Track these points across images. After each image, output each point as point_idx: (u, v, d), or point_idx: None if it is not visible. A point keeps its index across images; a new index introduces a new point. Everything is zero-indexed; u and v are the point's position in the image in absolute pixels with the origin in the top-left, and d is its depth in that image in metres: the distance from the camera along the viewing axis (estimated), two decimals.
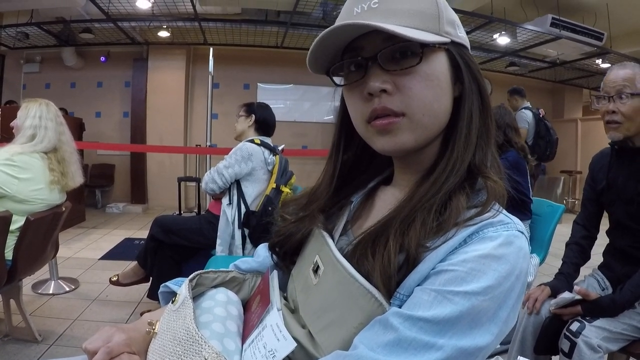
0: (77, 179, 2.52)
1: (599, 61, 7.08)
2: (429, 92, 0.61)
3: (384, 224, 0.62)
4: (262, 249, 0.92)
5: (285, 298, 0.77)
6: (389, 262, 0.57)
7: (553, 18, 5.73)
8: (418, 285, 0.56)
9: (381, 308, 0.57)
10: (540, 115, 5.01)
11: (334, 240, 0.71)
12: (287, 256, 0.81)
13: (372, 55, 0.61)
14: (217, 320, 0.71)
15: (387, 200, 0.72)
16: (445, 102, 0.64)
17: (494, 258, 0.54)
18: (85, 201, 6.27)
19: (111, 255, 4.24)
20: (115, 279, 2.82)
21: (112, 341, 0.68)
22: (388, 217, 0.62)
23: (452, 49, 0.64)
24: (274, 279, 0.79)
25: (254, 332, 0.71)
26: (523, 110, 5.02)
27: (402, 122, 0.61)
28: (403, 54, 0.60)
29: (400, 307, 0.55)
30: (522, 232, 0.59)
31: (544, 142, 4.90)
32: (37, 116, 2.35)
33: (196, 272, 0.80)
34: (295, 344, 0.63)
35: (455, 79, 0.65)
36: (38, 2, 5.18)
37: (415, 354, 0.51)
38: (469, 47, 0.68)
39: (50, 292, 3.10)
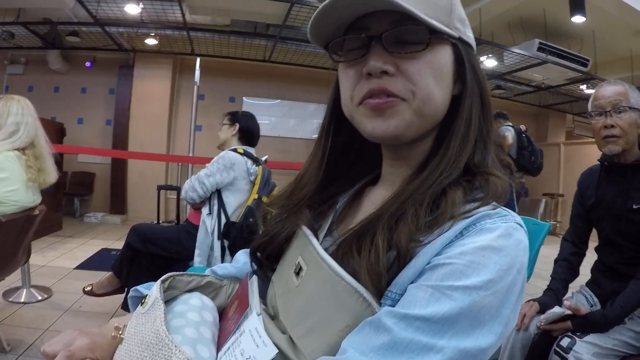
0: (52, 174, 2.53)
1: (583, 87, 7.21)
2: (432, 80, 0.58)
3: (370, 221, 0.57)
4: (242, 255, 0.86)
5: (265, 305, 0.71)
6: (376, 259, 0.52)
7: (540, 43, 5.84)
8: (412, 282, 0.51)
9: (370, 309, 0.52)
10: (522, 130, 5.13)
11: (318, 240, 0.66)
12: (269, 261, 0.75)
13: (377, 34, 0.58)
14: (189, 325, 0.65)
15: (374, 200, 0.68)
16: (445, 95, 0.61)
17: (494, 250, 0.50)
18: (62, 209, 6.12)
19: (87, 265, 4.11)
20: (89, 288, 2.74)
21: (73, 345, 0.63)
22: (375, 214, 0.58)
23: (459, 45, 0.62)
24: (254, 283, 0.73)
25: (230, 339, 0.65)
26: (505, 126, 5.17)
27: (400, 105, 0.58)
28: (409, 38, 0.57)
29: (393, 306, 0.50)
30: (520, 225, 0.55)
31: (528, 152, 5.02)
32: (19, 113, 2.37)
33: (169, 274, 0.74)
34: (277, 350, 0.57)
35: (457, 77, 0.62)
36: (26, 0, 5.05)
37: (413, 357, 0.46)
38: (475, 48, 0.66)
39: (22, 300, 2.99)
